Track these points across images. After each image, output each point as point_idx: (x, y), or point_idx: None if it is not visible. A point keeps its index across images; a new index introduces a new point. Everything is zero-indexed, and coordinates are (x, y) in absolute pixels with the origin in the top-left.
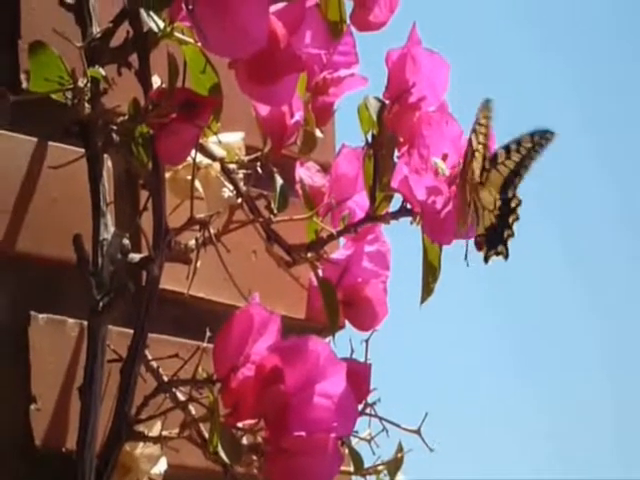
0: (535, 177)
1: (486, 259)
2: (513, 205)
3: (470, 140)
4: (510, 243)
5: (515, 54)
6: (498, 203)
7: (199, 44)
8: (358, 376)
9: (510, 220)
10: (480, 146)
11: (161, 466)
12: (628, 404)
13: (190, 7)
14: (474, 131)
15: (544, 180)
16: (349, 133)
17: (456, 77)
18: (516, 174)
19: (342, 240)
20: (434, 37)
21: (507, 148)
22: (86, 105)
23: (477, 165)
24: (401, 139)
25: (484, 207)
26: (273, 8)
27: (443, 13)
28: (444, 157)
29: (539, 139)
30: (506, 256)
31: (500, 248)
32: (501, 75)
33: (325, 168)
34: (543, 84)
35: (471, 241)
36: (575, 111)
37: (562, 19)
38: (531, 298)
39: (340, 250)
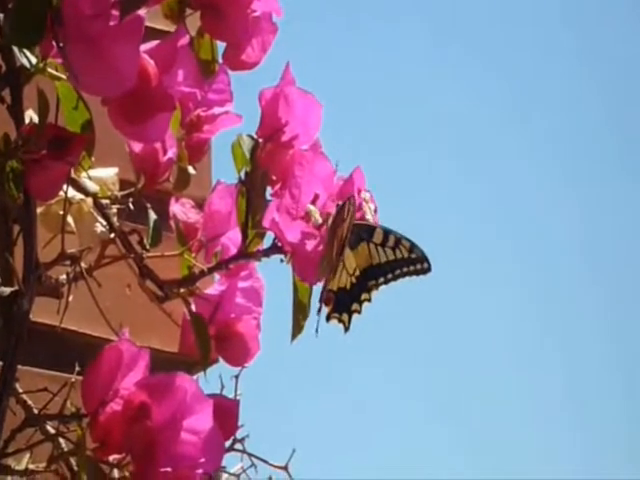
0: None
1: (328, 318)
2: (370, 286)
3: (353, 202)
4: (353, 318)
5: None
6: (357, 272)
7: None
8: (226, 412)
9: (362, 297)
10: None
11: None
12: None
13: (60, 44)
14: (364, 200)
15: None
16: (228, 169)
17: (331, 116)
18: (384, 272)
19: (218, 276)
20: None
21: (386, 236)
22: None
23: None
24: (274, 177)
25: (344, 266)
26: (144, 47)
27: (322, 53)
28: (315, 197)
29: (415, 260)
30: (346, 329)
31: (344, 316)
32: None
33: (201, 204)
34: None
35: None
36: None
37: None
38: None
39: (214, 286)
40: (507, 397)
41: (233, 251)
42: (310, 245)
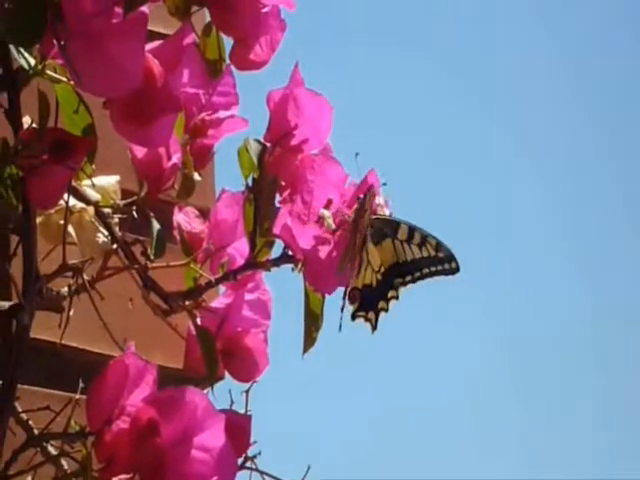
0: None
1: (353, 316)
2: (397, 284)
3: (373, 193)
4: (381, 316)
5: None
6: (382, 269)
7: (72, 82)
8: (238, 428)
9: (389, 295)
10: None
11: None
12: None
13: (62, 43)
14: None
15: None
16: (230, 177)
17: (341, 120)
18: (411, 270)
19: (222, 288)
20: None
21: (411, 233)
22: None
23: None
24: (283, 183)
25: (369, 262)
26: (149, 46)
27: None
28: (328, 202)
29: (442, 259)
30: (374, 328)
31: (370, 314)
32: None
33: (205, 213)
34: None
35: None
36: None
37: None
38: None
39: (220, 298)
40: None
41: (240, 261)
42: (323, 251)
